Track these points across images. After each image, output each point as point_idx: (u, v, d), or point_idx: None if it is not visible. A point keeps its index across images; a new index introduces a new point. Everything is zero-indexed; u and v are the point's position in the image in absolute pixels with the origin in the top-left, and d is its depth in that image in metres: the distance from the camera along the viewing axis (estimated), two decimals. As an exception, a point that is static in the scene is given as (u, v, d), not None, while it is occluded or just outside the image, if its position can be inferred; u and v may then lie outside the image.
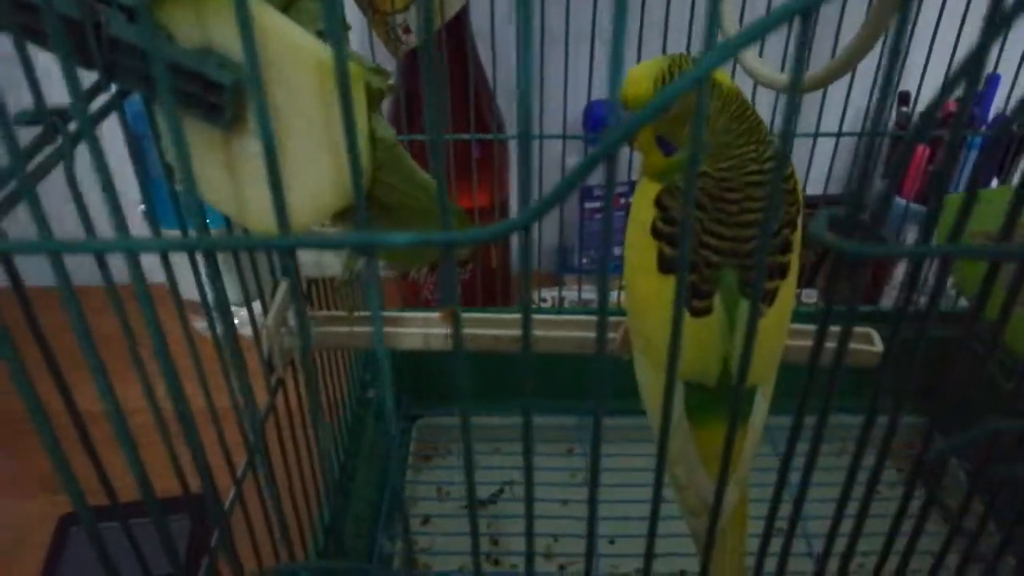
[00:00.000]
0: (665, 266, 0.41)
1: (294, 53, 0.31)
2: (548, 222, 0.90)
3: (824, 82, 0.46)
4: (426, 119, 0.58)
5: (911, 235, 0.77)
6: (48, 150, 0.30)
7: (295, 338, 0.47)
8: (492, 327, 0.47)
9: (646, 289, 0.42)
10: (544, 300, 0.89)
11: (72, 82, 0.23)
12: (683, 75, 0.20)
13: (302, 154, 0.33)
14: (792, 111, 0.22)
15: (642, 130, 0.41)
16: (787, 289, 0.41)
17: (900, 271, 0.84)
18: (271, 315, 0.45)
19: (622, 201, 0.87)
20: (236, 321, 0.35)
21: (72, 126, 0.30)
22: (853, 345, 0.46)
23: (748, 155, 0.40)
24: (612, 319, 0.50)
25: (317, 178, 0.33)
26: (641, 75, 0.40)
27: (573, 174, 0.23)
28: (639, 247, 0.43)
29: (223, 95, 0.31)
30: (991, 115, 0.79)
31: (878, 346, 0.46)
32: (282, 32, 0.31)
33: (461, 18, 0.72)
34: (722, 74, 0.41)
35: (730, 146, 0.40)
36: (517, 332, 0.47)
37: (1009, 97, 0.76)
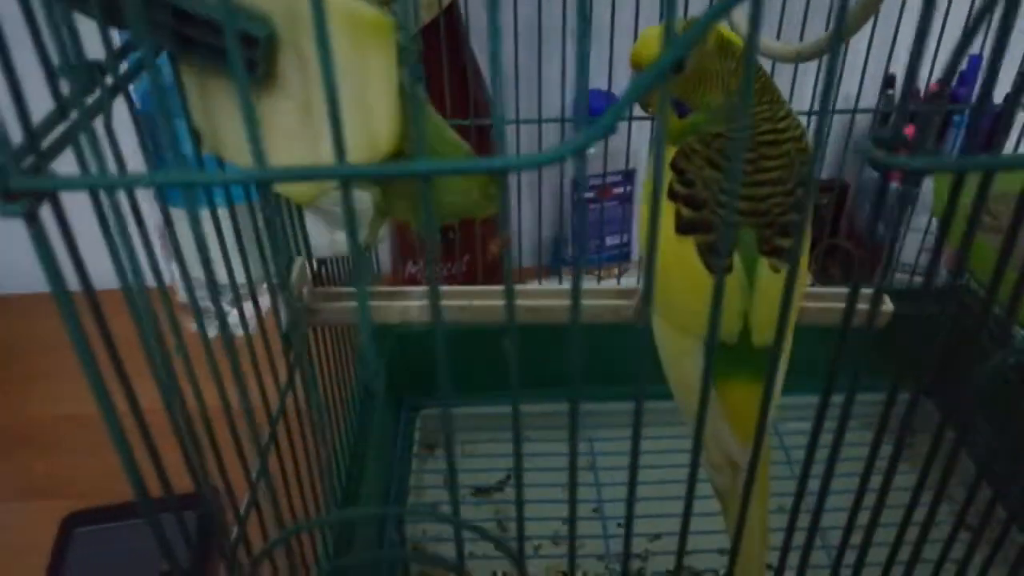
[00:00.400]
0: (683, 227, 0.42)
1: (335, 12, 0.31)
2: (544, 215, 0.91)
3: (821, 52, 0.47)
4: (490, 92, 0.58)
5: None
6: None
7: (313, 314, 0.47)
8: (524, 298, 0.48)
9: (665, 251, 0.43)
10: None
11: (141, 20, 0.24)
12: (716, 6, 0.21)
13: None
14: (834, 61, 0.22)
15: (655, 92, 0.42)
16: (804, 248, 0.42)
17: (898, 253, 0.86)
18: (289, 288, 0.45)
19: (614, 192, 0.88)
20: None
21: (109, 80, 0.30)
22: (865, 306, 0.47)
23: (762, 115, 0.41)
24: (626, 287, 0.50)
25: (353, 133, 0.33)
26: (655, 36, 0.41)
27: (625, 97, 0.23)
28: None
29: (257, 50, 0.31)
30: (974, 95, 0.81)
31: (889, 306, 0.46)
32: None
33: (454, 9, 0.72)
34: (735, 35, 0.42)
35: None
36: (548, 302, 0.48)
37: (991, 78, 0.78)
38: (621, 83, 0.77)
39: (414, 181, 0.34)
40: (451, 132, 0.36)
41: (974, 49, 0.77)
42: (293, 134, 0.34)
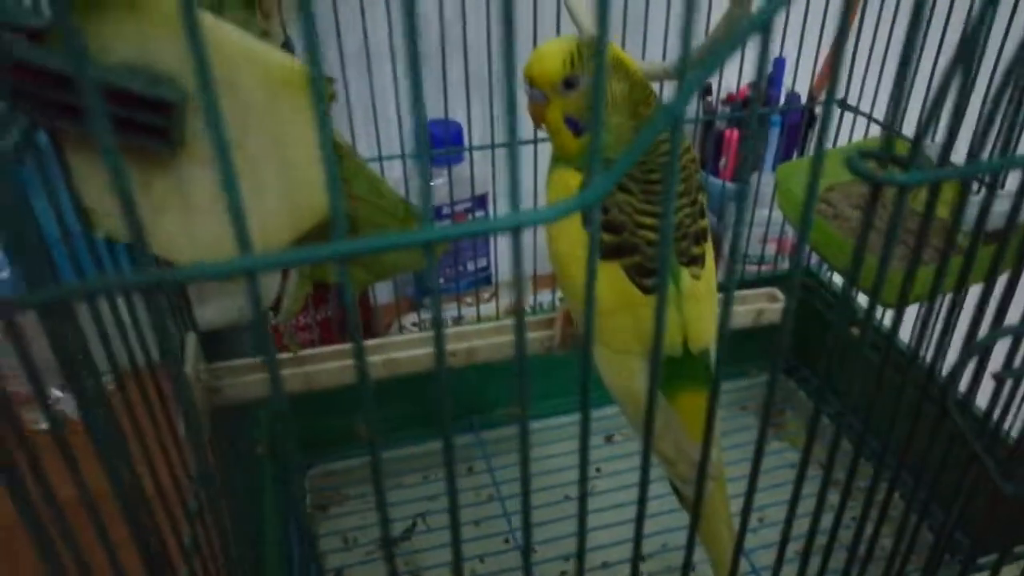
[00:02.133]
0: (606, 253, 0.42)
1: (248, 63, 0.28)
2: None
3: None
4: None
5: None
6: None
7: (214, 393, 0.43)
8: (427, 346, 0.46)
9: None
10: (405, 328, 0.87)
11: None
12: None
13: (256, 175, 0.30)
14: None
15: (551, 109, 0.42)
16: (711, 250, 0.44)
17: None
18: (188, 367, 0.41)
19: (468, 218, 0.88)
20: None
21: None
22: (764, 305, 0.50)
23: (660, 136, 0.42)
24: (542, 317, 0.50)
25: (275, 200, 0.30)
26: (550, 51, 0.41)
27: (639, 141, 0.23)
28: (571, 240, 0.43)
29: (171, 115, 0.28)
30: (782, 96, 0.88)
31: (782, 301, 0.49)
32: (233, 41, 0.28)
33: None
34: (627, 56, 0.43)
35: (641, 129, 0.42)
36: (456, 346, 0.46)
37: (795, 79, 0.85)
38: (456, 108, 0.77)
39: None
40: (385, 184, 0.34)
41: (778, 52, 0.83)
42: (211, 206, 0.31)
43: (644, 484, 0.32)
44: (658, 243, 0.41)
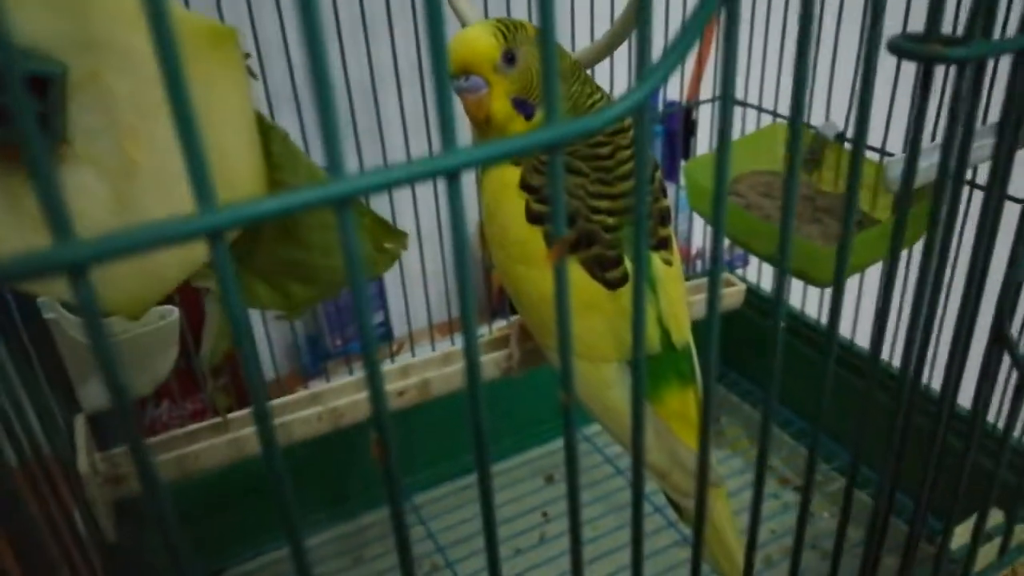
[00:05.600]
0: None
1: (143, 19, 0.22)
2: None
3: (598, 57, 0.46)
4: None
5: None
6: None
7: (117, 484, 0.35)
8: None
9: (542, 280, 0.38)
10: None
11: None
12: None
13: (163, 164, 0.23)
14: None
15: (496, 96, 0.37)
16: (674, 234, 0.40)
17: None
18: (81, 458, 0.32)
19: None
20: None
21: None
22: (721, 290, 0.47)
23: (601, 103, 0.38)
24: (493, 335, 0.44)
25: (185, 197, 0.24)
26: (477, 32, 0.37)
27: (688, 30, 0.19)
28: (516, 240, 0.38)
29: (48, 95, 0.21)
30: (660, 104, 0.88)
31: (740, 284, 0.46)
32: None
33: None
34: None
35: (583, 100, 0.38)
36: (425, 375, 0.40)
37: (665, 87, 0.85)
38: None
39: (282, 249, 0.26)
40: (324, 175, 0.28)
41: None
42: (103, 218, 0.24)
43: (638, 505, 0.26)
44: (616, 228, 0.37)
